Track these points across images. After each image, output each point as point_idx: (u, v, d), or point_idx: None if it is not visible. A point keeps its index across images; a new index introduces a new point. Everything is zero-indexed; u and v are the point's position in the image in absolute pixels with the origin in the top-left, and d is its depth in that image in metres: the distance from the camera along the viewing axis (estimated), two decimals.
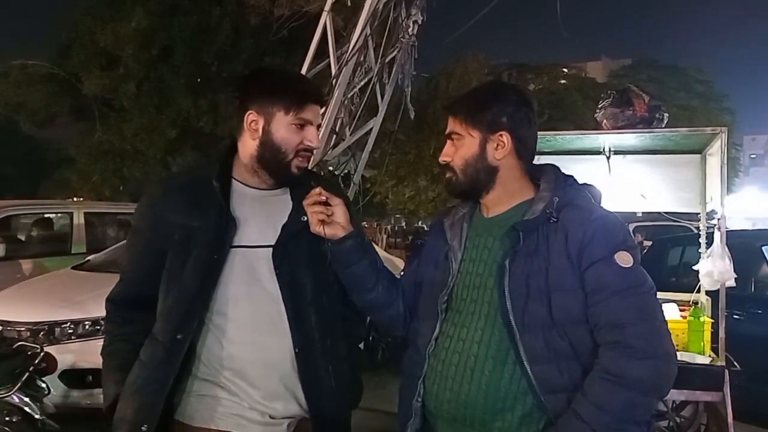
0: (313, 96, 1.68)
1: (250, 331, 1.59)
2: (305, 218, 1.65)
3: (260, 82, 1.69)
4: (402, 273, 1.84)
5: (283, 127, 1.62)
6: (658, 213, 3.82)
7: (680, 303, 3.39)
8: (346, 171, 5.39)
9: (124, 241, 7.28)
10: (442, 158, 1.62)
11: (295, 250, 1.65)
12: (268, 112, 1.62)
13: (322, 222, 1.62)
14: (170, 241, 1.60)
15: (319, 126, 1.71)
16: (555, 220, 1.49)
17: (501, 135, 1.55)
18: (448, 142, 1.62)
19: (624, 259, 1.45)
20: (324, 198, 1.63)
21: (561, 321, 1.44)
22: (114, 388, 1.64)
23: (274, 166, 1.64)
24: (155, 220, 1.64)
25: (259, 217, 1.65)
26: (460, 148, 1.59)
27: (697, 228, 3.65)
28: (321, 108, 1.72)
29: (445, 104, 1.71)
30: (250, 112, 1.64)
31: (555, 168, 1.64)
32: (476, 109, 1.58)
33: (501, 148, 1.56)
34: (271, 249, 1.62)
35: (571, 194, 1.56)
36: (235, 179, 1.68)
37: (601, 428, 1.36)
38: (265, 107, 1.62)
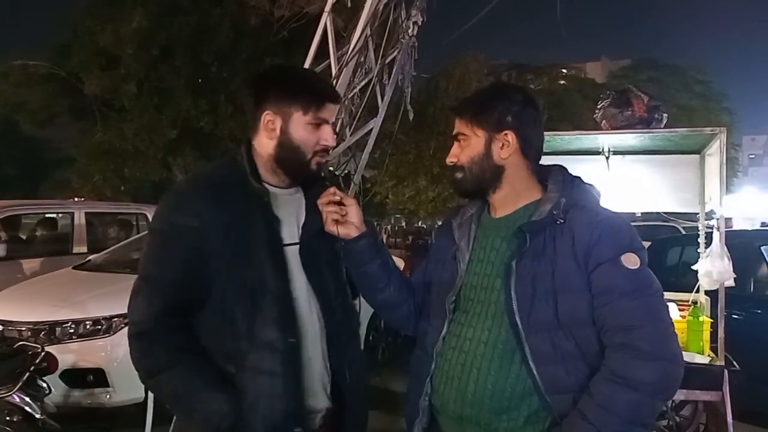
0: (331, 95, 1.67)
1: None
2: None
3: (277, 82, 1.66)
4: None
5: (301, 126, 1.61)
6: (657, 213, 3.82)
7: (679, 303, 3.40)
8: (346, 171, 5.39)
9: (125, 241, 7.21)
10: (449, 159, 1.63)
11: (317, 249, 1.66)
12: (285, 112, 1.61)
13: (336, 221, 1.64)
14: (210, 242, 1.54)
15: (333, 125, 1.70)
16: (562, 221, 1.50)
17: (506, 134, 1.56)
18: (455, 143, 1.63)
19: (631, 260, 1.45)
20: (338, 198, 1.64)
21: (567, 322, 1.45)
22: (227, 408, 1.51)
23: (294, 165, 1.64)
24: (190, 220, 1.55)
25: (285, 216, 1.65)
26: (466, 148, 1.60)
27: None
28: (336, 106, 1.70)
29: (451, 105, 1.72)
30: (266, 112, 1.62)
31: (563, 169, 1.64)
32: (482, 109, 1.58)
33: (506, 147, 1.56)
34: (297, 246, 1.64)
35: (578, 195, 1.57)
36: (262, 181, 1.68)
37: (607, 429, 1.37)
38: (282, 107, 1.61)
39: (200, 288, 1.55)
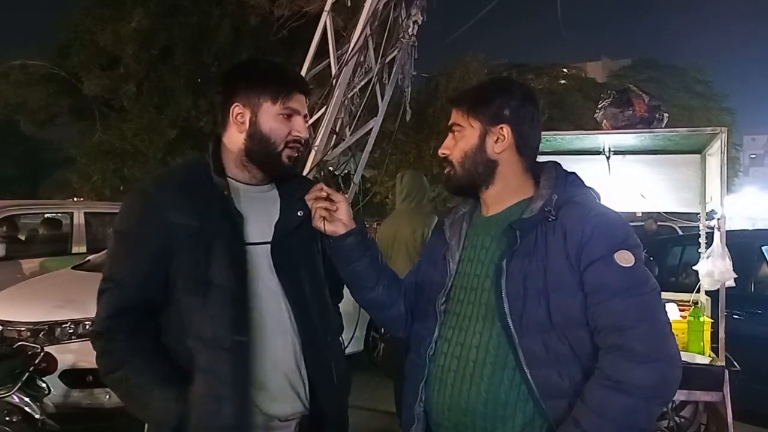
0: (300, 85, 1.64)
1: (259, 330, 1.56)
2: (300, 213, 1.63)
3: (245, 74, 1.65)
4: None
5: (271, 117, 1.58)
6: (658, 213, 3.82)
7: (680, 303, 3.40)
8: (346, 171, 5.40)
9: None
10: (441, 151, 1.59)
11: (291, 247, 1.62)
12: (254, 103, 1.58)
13: (323, 218, 1.60)
14: (176, 241, 1.52)
15: (306, 117, 1.67)
16: (554, 218, 1.44)
17: (502, 128, 1.52)
18: (449, 134, 1.59)
19: (624, 258, 1.39)
20: (326, 194, 1.60)
21: (560, 323, 1.39)
22: (176, 405, 1.49)
23: (264, 158, 1.60)
24: (156, 221, 1.53)
25: (254, 213, 1.61)
26: (460, 140, 1.55)
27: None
28: (306, 98, 1.67)
29: (450, 97, 1.69)
30: (235, 104, 1.59)
31: (556, 165, 1.59)
32: (479, 101, 1.54)
33: (501, 141, 1.52)
34: (268, 246, 1.60)
35: (571, 191, 1.51)
36: (227, 176, 1.63)
37: None
38: (251, 98, 1.58)
39: (160, 289, 1.54)
